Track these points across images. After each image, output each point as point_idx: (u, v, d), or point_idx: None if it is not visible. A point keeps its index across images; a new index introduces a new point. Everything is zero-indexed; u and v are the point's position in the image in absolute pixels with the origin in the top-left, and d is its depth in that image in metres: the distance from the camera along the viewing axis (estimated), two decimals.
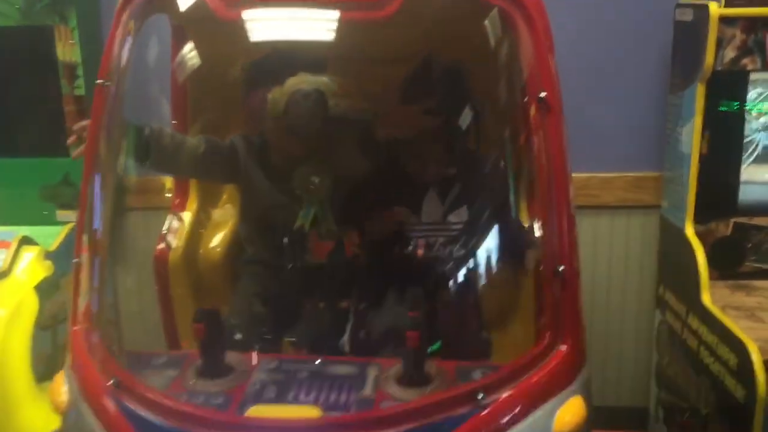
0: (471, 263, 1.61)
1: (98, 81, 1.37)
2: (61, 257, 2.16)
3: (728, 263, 1.99)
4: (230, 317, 1.60)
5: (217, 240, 1.85)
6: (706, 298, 1.85)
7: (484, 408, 1.16)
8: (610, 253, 2.33)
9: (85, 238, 1.40)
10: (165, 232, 1.81)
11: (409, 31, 1.46)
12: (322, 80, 1.52)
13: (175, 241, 1.80)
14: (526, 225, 1.61)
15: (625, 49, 2.19)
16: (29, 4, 2.12)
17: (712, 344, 1.80)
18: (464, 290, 1.61)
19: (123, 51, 1.38)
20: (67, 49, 2.16)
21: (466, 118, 1.62)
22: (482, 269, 1.60)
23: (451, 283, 1.61)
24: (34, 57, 2.20)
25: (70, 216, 2.27)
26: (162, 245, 1.78)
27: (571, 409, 1.22)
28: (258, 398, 1.22)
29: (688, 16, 1.92)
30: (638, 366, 2.39)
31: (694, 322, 1.91)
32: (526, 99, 1.31)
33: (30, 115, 2.25)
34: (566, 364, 1.26)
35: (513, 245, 1.59)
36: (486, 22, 1.29)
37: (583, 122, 2.19)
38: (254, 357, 1.33)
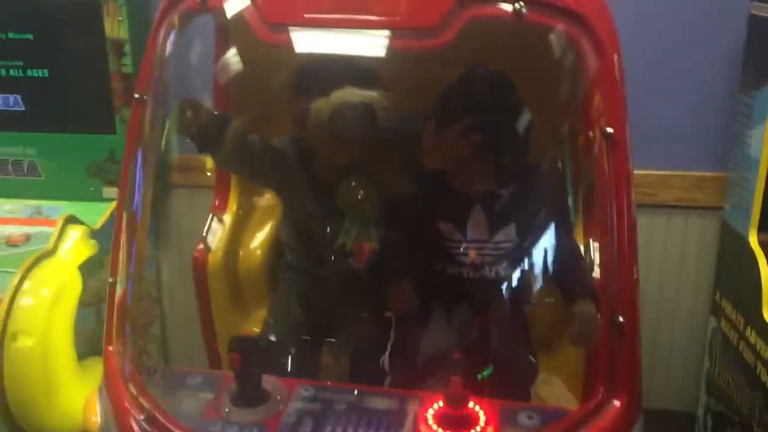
0: (520, 285, 1.55)
1: (135, 95, 1.32)
2: (105, 235, 2.16)
3: None
4: (268, 326, 1.58)
5: (257, 243, 1.83)
6: (767, 313, 1.77)
7: None
8: (665, 254, 2.24)
9: (124, 219, 1.36)
10: (204, 234, 1.77)
11: (465, 57, 1.39)
12: (370, 94, 1.45)
13: (215, 243, 1.77)
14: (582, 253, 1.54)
15: (693, 41, 2.07)
16: None
17: None
18: (512, 312, 1.54)
19: (163, 61, 1.32)
20: (115, 26, 2.12)
21: (517, 135, 1.51)
22: (532, 291, 1.54)
23: (498, 303, 1.55)
24: (81, 32, 2.17)
25: (116, 193, 2.25)
26: (201, 246, 1.75)
27: None
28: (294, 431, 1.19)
29: (765, 11, 1.80)
30: (688, 370, 2.31)
31: (752, 336, 1.83)
32: (591, 134, 1.20)
33: (78, 91, 2.23)
34: (620, 421, 1.16)
35: (567, 269, 1.52)
36: (551, 49, 1.17)
37: (642, 116, 2.08)
38: (291, 382, 1.29)
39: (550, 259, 1.52)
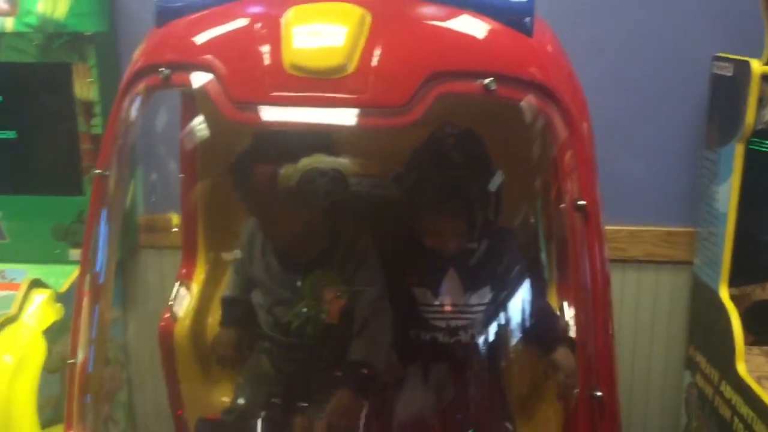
0: (496, 347, 1.53)
1: (96, 171, 1.30)
2: (71, 299, 2.08)
3: (765, 329, 1.90)
4: (239, 388, 1.54)
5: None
6: (741, 368, 1.77)
7: None
8: (637, 309, 2.24)
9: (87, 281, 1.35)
10: (171, 302, 1.74)
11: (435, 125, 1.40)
12: (341, 161, 1.44)
13: (182, 312, 1.73)
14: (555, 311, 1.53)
15: (658, 99, 2.11)
16: (48, 41, 2.07)
17: (746, 417, 1.71)
18: (488, 375, 1.52)
19: (127, 131, 1.30)
20: (85, 87, 2.12)
21: (487, 190, 1.51)
22: (508, 354, 1.52)
23: (474, 367, 1.53)
24: (51, 94, 2.15)
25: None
26: (168, 315, 1.72)
27: None
28: None
29: (727, 70, 1.85)
30: (664, 427, 2.29)
31: (727, 391, 1.82)
32: (562, 205, 1.19)
33: (46, 153, 2.21)
34: None
35: (543, 325, 1.51)
36: (521, 119, 1.17)
37: (611, 172, 2.11)
38: None
39: (525, 318, 1.50)
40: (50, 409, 2.02)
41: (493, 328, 1.53)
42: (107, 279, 1.37)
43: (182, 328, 1.71)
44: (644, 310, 2.24)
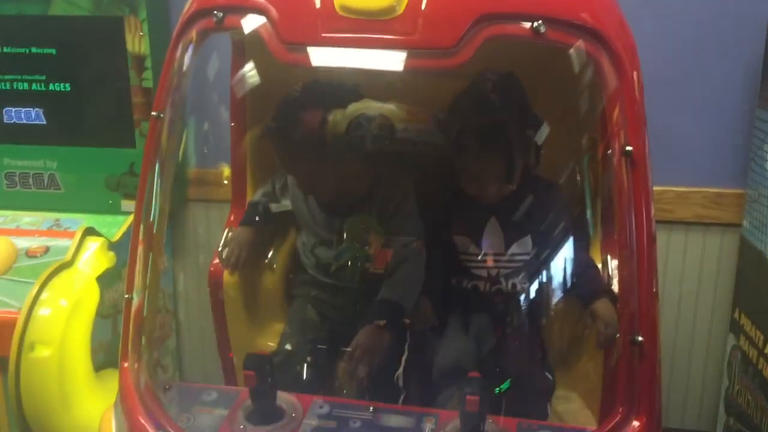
0: (537, 298, 1.53)
1: (153, 113, 1.32)
2: (123, 247, 2.17)
3: None
4: (284, 336, 1.57)
5: (272, 256, 1.82)
6: None
7: None
8: (683, 271, 2.22)
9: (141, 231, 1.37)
10: (220, 249, 1.76)
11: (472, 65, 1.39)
12: (388, 107, 1.45)
13: None
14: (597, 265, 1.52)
15: (712, 56, 2.06)
16: None
17: None
18: (529, 326, 1.53)
19: (180, 78, 1.32)
20: (137, 41, 2.15)
21: (526, 136, 1.51)
22: (549, 305, 1.52)
23: (514, 317, 1.54)
24: (104, 47, 2.20)
25: (135, 206, 2.28)
26: (216, 261, 1.74)
27: None
28: None
29: None
30: (706, 389, 2.28)
31: None
32: (609, 151, 1.18)
33: (99, 105, 2.26)
34: None
35: (585, 279, 1.51)
36: (570, 65, 1.15)
37: (659, 131, 2.08)
38: (305, 398, 1.29)
39: (567, 271, 1.50)
40: (102, 353, 2.10)
41: (534, 279, 1.54)
42: (160, 228, 1.40)
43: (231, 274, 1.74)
44: (690, 273, 2.22)
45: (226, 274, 1.73)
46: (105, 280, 2.09)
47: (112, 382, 1.96)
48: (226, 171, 1.85)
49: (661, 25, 2.05)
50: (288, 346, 1.61)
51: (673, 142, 2.12)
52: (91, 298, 2.03)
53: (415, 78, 1.22)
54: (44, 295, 1.93)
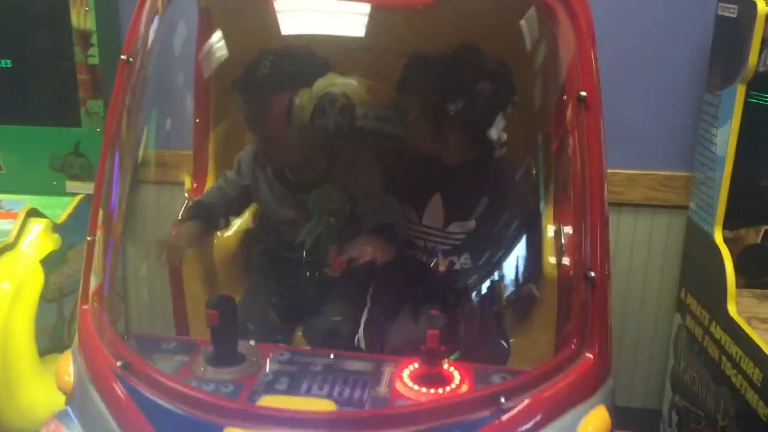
0: (490, 268, 1.56)
1: (122, 56, 1.33)
2: (68, 229, 2.12)
3: (757, 272, 1.92)
4: (242, 307, 1.56)
5: (232, 228, 1.80)
6: (732, 308, 1.79)
7: (504, 413, 1.10)
8: (631, 252, 2.26)
9: (100, 215, 1.36)
10: (180, 218, 1.74)
11: (444, 25, 1.40)
12: (350, 83, 1.46)
13: None
14: (553, 228, 1.55)
15: (660, 42, 2.10)
16: None
17: (735, 356, 1.74)
18: (481, 295, 1.56)
19: (148, 28, 1.33)
20: (82, 16, 2.09)
21: (495, 109, 1.54)
22: (501, 274, 1.55)
23: (467, 287, 1.56)
24: (48, 23, 2.13)
25: (80, 187, 2.22)
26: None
27: (595, 419, 1.17)
28: (270, 389, 1.18)
29: (731, 11, 1.83)
30: (653, 368, 2.34)
31: (716, 331, 1.85)
32: (564, 97, 1.24)
33: (43, 83, 2.19)
34: (592, 373, 1.20)
35: (535, 249, 1.54)
36: (527, 16, 1.22)
37: (610, 116, 2.10)
38: (267, 347, 1.29)
39: (507, 260, 1.55)
40: (47, 338, 2.04)
41: (471, 259, 1.59)
42: (120, 212, 1.39)
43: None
44: (638, 253, 2.26)
45: None
46: (50, 262, 2.03)
47: (55, 368, 1.92)
48: (188, 181, 1.83)
49: (612, 11, 2.07)
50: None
51: (623, 125, 2.14)
52: (34, 281, 1.97)
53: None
54: None
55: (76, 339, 1.32)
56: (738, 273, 1.83)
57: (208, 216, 1.63)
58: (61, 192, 2.23)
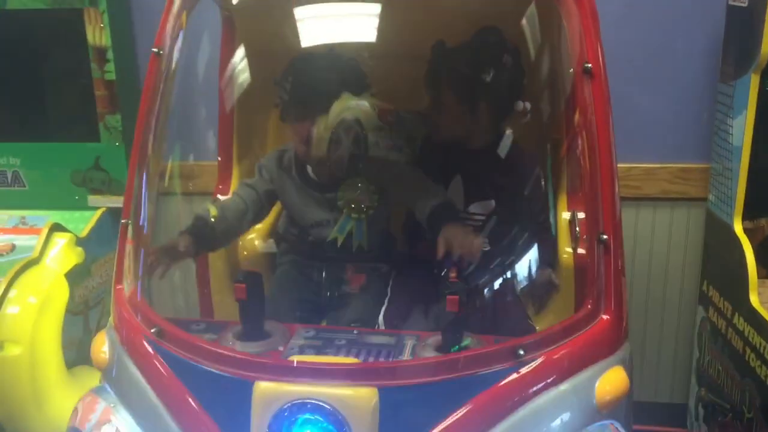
0: (510, 248, 1.60)
1: (154, 49, 1.39)
2: (92, 243, 2.15)
3: None
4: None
5: (257, 230, 1.82)
6: (754, 299, 1.77)
7: (523, 365, 1.14)
8: (652, 246, 2.25)
9: (129, 230, 1.41)
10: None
11: (452, 21, 1.47)
12: (363, 107, 1.52)
13: None
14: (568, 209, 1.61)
15: (673, 34, 2.09)
16: None
17: (759, 347, 1.73)
18: (502, 275, 1.58)
19: (176, 26, 1.40)
20: (97, 33, 2.12)
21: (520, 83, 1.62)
22: (521, 254, 1.59)
23: (488, 268, 1.57)
24: (64, 40, 2.17)
25: (101, 201, 2.26)
26: None
27: (612, 378, 1.21)
28: (297, 354, 1.22)
29: (742, 1, 1.82)
30: (678, 362, 2.32)
31: (740, 323, 1.84)
32: (571, 70, 1.31)
33: (61, 99, 2.23)
34: (608, 334, 1.25)
35: (550, 230, 1.59)
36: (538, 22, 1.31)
37: (625, 110, 2.11)
38: (293, 326, 1.32)
39: (523, 240, 1.59)
40: (74, 350, 2.07)
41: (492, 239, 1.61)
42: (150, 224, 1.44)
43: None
44: (659, 247, 2.25)
45: None
46: (74, 276, 2.07)
47: (85, 378, 1.95)
48: (213, 210, 1.86)
49: (624, 5, 2.07)
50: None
51: (639, 120, 2.14)
52: (60, 294, 2.01)
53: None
54: (12, 293, 1.91)
55: (110, 318, 1.38)
56: (759, 263, 1.82)
57: (203, 232, 1.62)
58: (83, 206, 2.26)
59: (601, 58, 1.29)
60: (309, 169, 1.65)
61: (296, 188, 1.66)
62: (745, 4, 1.81)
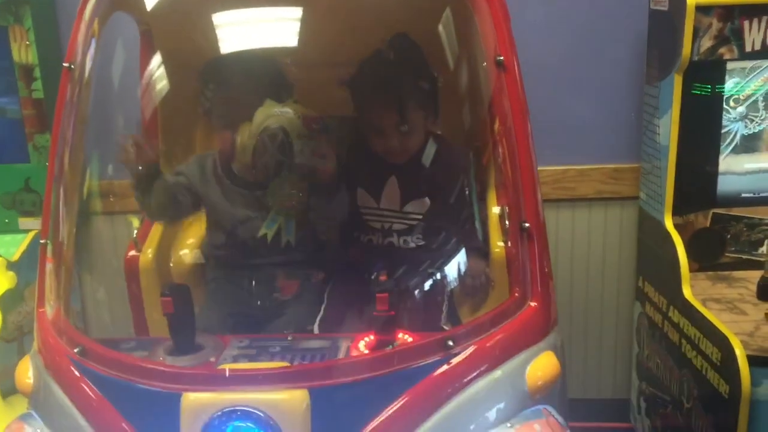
0: (444, 244, 1.63)
1: (65, 64, 1.37)
2: (24, 267, 2.09)
3: (708, 255, 1.97)
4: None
5: (188, 245, 1.80)
6: (687, 291, 1.83)
7: (454, 356, 1.16)
8: (588, 246, 2.31)
9: (49, 248, 1.37)
10: (135, 236, 1.75)
11: (365, 20, 1.50)
12: (287, 114, 1.52)
13: (146, 246, 1.74)
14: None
15: (599, 40, 2.16)
16: None
17: (694, 338, 1.78)
18: (437, 271, 1.60)
19: (88, 43, 1.38)
20: (23, 51, 2.07)
21: (429, 95, 1.64)
22: (455, 250, 1.61)
23: (424, 264, 1.60)
24: None
25: (33, 223, 2.19)
26: (133, 251, 1.72)
27: (543, 363, 1.24)
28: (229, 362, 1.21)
29: (663, 5, 1.89)
30: (619, 358, 2.38)
31: (675, 316, 1.89)
32: (484, 63, 1.35)
33: None
34: (536, 320, 1.28)
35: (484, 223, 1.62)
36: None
37: (557, 114, 2.17)
38: (226, 338, 1.30)
39: (456, 235, 1.63)
40: (8, 379, 1.99)
41: (426, 237, 1.64)
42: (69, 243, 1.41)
43: (146, 261, 1.72)
44: (595, 247, 2.31)
45: (141, 261, 1.72)
46: (6, 301, 2.00)
47: (22, 408, 1.88)
48: (135, 221, 1.82)
49: (550, 12, 2.13)
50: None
51: (571, 123, 2.20)
52: None
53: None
54: None
55: (35, 343, 1.34)
56: (690, 257, 1.88)
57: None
58: (14, 229, 2.20)
59: (513, 51, 1.33)
60: (235, 168, 1.64)
61: (222, 188, 1.65)
62: (666, 8, 1.88)
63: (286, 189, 1.58)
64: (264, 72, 1.57)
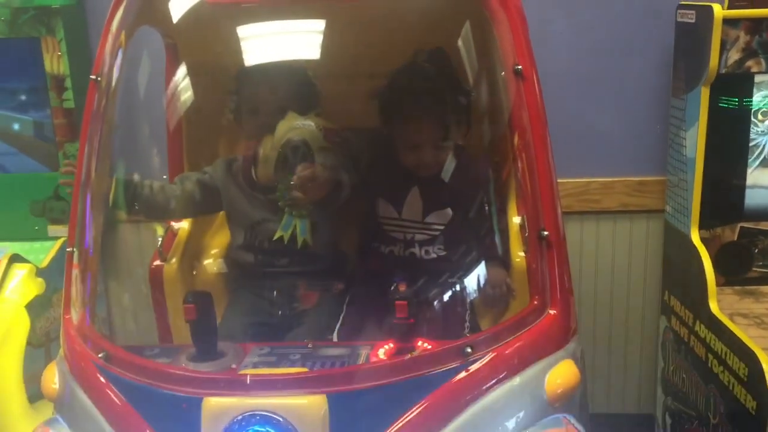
0: (465, 255, 1.63)
1: (92, 76, 1.40)
2: (53, 273, 2.12)
3: (735, 269, 1.95)
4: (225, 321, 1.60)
5: (211, 254, 1.83)
6: (714, 306, 1.81)
7: (472, 363, 1.16)
8: (613, 259, 2.29)
9: (75, 254, 1.39)
10: (159, 246, 1.76)
11: (387, 33, 1.52)
12: (309, 127, 1.54)
13: (171, 255, 1.76)
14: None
15: (625, 52, 2.15)
16: (14, 16, 2.07)
17: (720, 353, 1.76)
18: (458, 282, 1.61)
19: (114, 55, 1.40)
20: (55, 61, 2.11)
21: (464, 109, 1.65)
22: (477, 260, 1.62)
23: (427, 282, 1.60)
24: (21, 69, 2.15)
25: (61, 231, 2.22)
26: (157, 260, 1.74)
27: (562, 371, 1.24)
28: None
29: (690, 17, 1.88)
30: (644, 373, 2.35)
31: (701, 330, 1.87)
32: (503, 73, 1.35)
33: (19, 128, 2.20)
34: (556, 328, 1.28)
35: (505, 235, 1.62)
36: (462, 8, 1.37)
37: (583, 127, 2.17)
38: (247, 345, 1.32)
39: (478, 245, 1.64)
40: (37, 384, 2.02)
41: (449, 248, 1.65)
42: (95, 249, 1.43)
43: (171, 270, 1.73)
44: (620, 260, 2.29)
45: (166, 267, 1.74)
46: (35, 307, 2.03)
47: (48, 413, 1.90)
48: (160, 230, 1.85)
49: (574, 24, 2.13)
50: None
51: (595, 135, 2.20)
52: (20, 327, 1.97)
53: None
54: None
55: (61, 349, 1.36)
56: (717, 271, 1.86)
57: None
58: (43, 237, 2.23)
59: (531, 60, 1.33)
60: (253, 173, 1.66)
61: (241, 190, 1.68)
62: (693, 20, 1.87)
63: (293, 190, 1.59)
64: (288, 84, 1.59)
